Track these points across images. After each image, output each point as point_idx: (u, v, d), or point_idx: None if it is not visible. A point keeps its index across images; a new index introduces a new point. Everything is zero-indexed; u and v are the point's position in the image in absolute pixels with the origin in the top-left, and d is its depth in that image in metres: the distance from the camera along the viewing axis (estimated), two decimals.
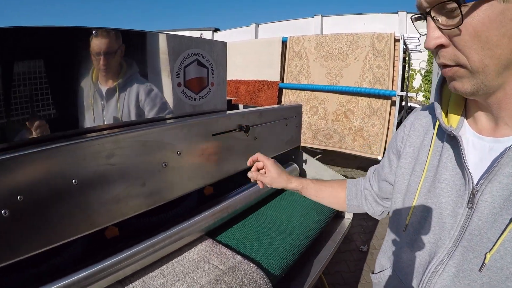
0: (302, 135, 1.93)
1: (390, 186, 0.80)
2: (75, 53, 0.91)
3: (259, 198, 1.47)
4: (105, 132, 0.92)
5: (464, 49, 0.47)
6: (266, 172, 0.97)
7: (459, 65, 0.50)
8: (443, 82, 0.66)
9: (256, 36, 14.24)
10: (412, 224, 0.66)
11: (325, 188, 1.00)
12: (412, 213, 0.67)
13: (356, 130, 3.28)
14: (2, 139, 0.81)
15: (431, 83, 10.48)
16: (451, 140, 0.61)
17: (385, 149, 3.11)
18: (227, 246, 1.12)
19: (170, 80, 1.18)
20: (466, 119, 0.62)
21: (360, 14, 12.80)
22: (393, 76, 3.03)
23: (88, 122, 0.97)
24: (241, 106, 2.09)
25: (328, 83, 3.41)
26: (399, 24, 11.46)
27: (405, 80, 3.93)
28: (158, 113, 1.16)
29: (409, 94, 3.14)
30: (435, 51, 0.52)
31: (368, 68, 3.13)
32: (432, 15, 0.49)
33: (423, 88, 11.54)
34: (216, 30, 16.21)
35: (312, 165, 1.88)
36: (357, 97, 3.24)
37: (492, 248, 0.51)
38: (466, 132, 0.61)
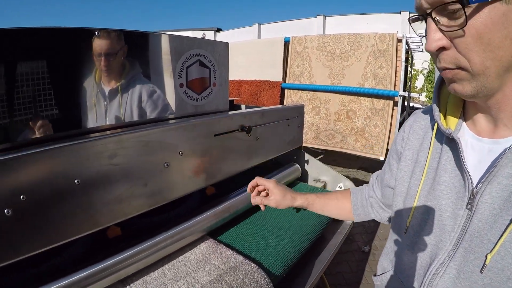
0: (304, 135, 1.93)
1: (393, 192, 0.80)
2: (78, 54, 0.91)
3: None
4: (108, 132, 0.93)
5: (466, 51, 0.47)
6: (270, 195, 0.96)
7: (460, 67, 0.49)
8: (441, 83, 0.66)
9: (259, 36, 14.23)
10: (413, 226, 0.67)
11: (330, 201, 1.00)
12: (412, 215, 0.67)
13: (358, 131, 3.28)
14: (6, 139, 0.81)
15: (433, 83, 10.41)
16: (450, 142, 0.62)
17: (387, 149, 3.11)
18: (228, 246, 1.12)
19: (172, 80, 1.18)
20: (465, 120, 0.62)
21: (363, 14, 12.77)
22: (395, 76, 3.03)
23: (91, 122, 0.97)
24: (243, 106, 2.10)
25: (330, 83, 3.41)
26: (401, 24, 11.42)
27: (408, 81, 3.92)
28: (160, 113, 1.16)
29: (412, 94, 3.13)
30: (435, 53, 0.52)
31: (371, 68, 3.13)
32: (433, 16, 0.48)
33: (425, 89, 11.49)
34: (218, 30, 16.21)
35: (314, 166, 1.88)
36: (359, 97, 3.24)
37: (492, 249, 0.51)
38: (465, 134, 0.61)
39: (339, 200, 0.99)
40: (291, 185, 1.72)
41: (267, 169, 1.64)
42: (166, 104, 1.18)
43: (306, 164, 1.88)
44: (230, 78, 1.57)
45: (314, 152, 4.42)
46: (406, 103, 3.43)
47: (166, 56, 1.14)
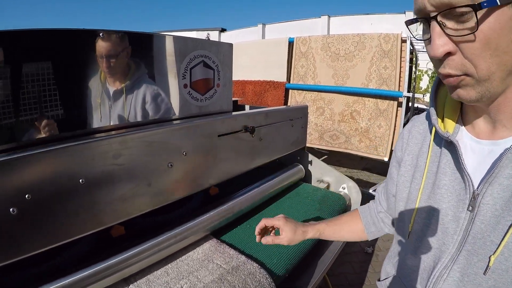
0: (308, 135, 1.93)
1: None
2: (83, 55, 0.92)
3: (264, 198, 1.47)
4: (112, 132, 0.94)
5: (473, 57, 0.45)
6: (281, 233, 0.93)
7: (465, 74, 0.47)
8: (437, 87, 0.66)
9: (263, 36, 14.23)
10: (415, 231, 0.66)
11: (340, 226, 0.98)
12: (414, 220, 0.67)
13: (363, 131, 3.27)
14: (12, 139, 0.82)
15: None
16: (449, 145, 0.61)
17: (391, 150, 3.09)
18: (231, 245, 1.13)
19: (177, 81, 1.19)
20: (463, 123, 0.62)
21: (367, 14, 12.73)
22: (399, 77, 3.01)
23: (96, 123, 0.98)
24: (247, 107, 2.10)
25: (334, 83, 3.40)
26: (405, 25, 11.36)
27: (412, 81, 3.90)
28: (164, 114, 1.17)
29: (416, 95, 3.11)
30: (439, 59, 0.49)
31: (375, 69, 3.12)
32: (439, 19, 0.46)
33: (430, 89, 11.41)
34: (223, 30, 16.23)
35: (317, 166, 1.88)
36: (363, 98, 3.23)
37: (496, 251, 0.51)
38: (463, 136, 0.60)
39: (349, 223, 0.97)
40: (294, 185, 1.72)
41: (270, 170, 1.65)
42: (170, 104, 1.19)
43: (309, 164, 1.88)
44: (234, 78, 1.57)
45: (318, 153, 4.41)
46: (410, 104, 3.41)
47: (171, 57, 1.15)
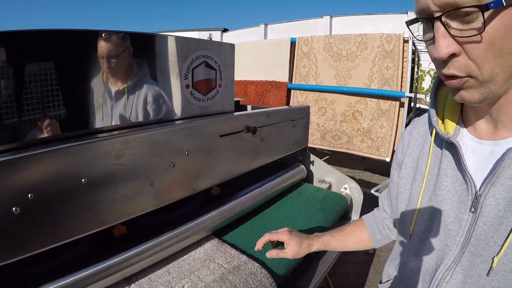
0: (310, 136, 1.93)
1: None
2: (85, 56, 0.93)
3: (265, 199, 1.48)
4: (115, 132, 0.94)
5: (478, 58, 0.45)
6: (286, 247, 0.92)
7: (469, 75, 0.47)
8: (437, 88, 0.65)
9: (265, 37, 14.23)
10: (418, 233, 0.66)
11: (346, 237, 0.97)
12: (415, 222, 0.66)
13: (365, 132, 3.27)
14: (14, 139, 0.83)
15: None
16: (450, 146, 0.61)
17: (393, 150, 3.09)
18: (232, 245, 1.13)
19: (179, 81, 1.20)
20: (464, 123, 0.62)
21: (369, 14, 12.71)
22: (401, 77, 3.01)
23: (98, 123, 0.99)
24: (249, 107, 2.10)
25: (336, 84, 3.40)
26: (406, 25, 11.33)
27: (414, 81, 3.89)
28: (166, 114, 1.17)
29: (418, 95, 3.10)
30: (443, 61, 0.48)
31: (377, 69, 3.12)
32: (443, 20, 0.45)
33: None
34: (225, 30, 16.23)
35: (319, 167, 1.88)
36: (365, 98, 3.23)
37: (499, 252, 0.51)
38: (464, 137, 0.60)
39: (355, 233, 0.96)
40: (296, 186, 1.72)
41: (272, 170, 1.65)
42: (172, 105, 1.19)
43: (311, 165, 1.88)
44: (236, 78, 1.58)
45: (321, 153, 4.41)
46: (412, 104, 3.41)
47: (173, 58, 1.16)
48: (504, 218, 0.51)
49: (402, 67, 2.99)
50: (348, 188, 1.72)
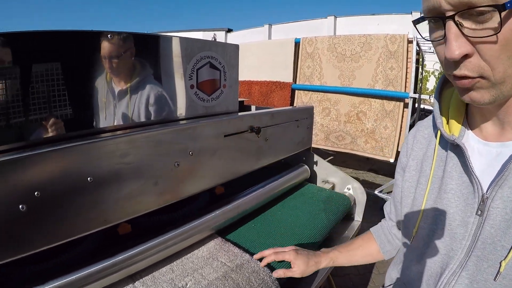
0: (314, 136, 1.93)
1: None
2: (90, 56, 0.94)
3: (269, 198, 1.48)
4: (120, 132, 0.95)
5: (491, 59, 0.44)
6: (293, 266, 0.91)
7: (481, 76, 0.46)
8: (441, 88, 0.64)
9: (270, 37, 14.22)
10: (422, 236, 0.65)
11: (354, 252, 0.95)
12: (418, 225, 0.65)
13: (369, 132, 3.26)
14: (21, 138, 0.84)
15: None
16: (455, 149, 0.60)
17: (397, 151, 3.08)
18: (235, 244, 1.13)
19: (183, 82, 1.21)
20: (469, 125, 0.61)
21: (374, 14, 12.66)
22: (406, 78, 3.01)
23: (102, 123, 1.00)
24: (253, 107, 2.11)
25: (340, 84, 3.40)
26: (413, 24, 11.27)
27: (418, 82, 3.89)
28: (171, 114, 1.18)
29: (422, 96, 3.10)
30: (454, 61, 0.47)
31: (381, 69, 3.11)
32: (456, 19, 0.44)
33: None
34: (229, 30, 16.23)
35: (322, 167, 1.88)
36: (369, 99, 3.23)
37: (507, 256, 0.50)
38: (470, 139, 0.59)
39: (364, 247, 0.94)
40: (299, 186, 1.73)
41: (275, 170, 1.66)
42: (177, 105, 1.20)
43: (315, 165, 1.88)
44: (241, 78, 1.59)
45: (325, 153, 4.41)
46: (416, 105, 3.40)
47: (177, 58, 1.17)
48: None
49: (407, 68, 2.98)
50: (352, 188, 1.72)
